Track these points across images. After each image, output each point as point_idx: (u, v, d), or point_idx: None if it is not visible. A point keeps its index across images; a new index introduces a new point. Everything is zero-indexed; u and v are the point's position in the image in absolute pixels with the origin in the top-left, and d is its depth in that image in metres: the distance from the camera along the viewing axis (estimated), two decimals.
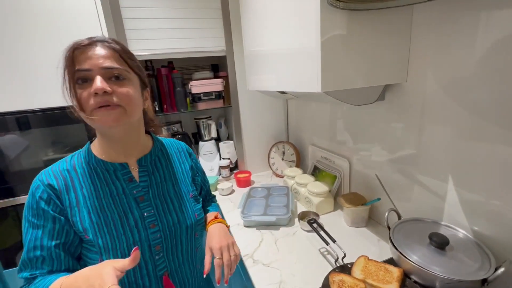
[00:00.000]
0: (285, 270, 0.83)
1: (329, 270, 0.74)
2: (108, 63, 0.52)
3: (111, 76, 0.52)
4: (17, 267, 0.56)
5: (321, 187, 1.15)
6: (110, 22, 1.15)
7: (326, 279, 0.69)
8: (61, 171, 0.58)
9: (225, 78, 1.52)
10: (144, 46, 1.30)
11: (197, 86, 1.46)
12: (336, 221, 1.09)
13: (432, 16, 0.72)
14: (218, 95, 1.53)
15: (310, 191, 1.15)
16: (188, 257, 0.68)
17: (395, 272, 0.67)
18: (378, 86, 0.86)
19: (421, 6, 0.74)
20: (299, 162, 1.56)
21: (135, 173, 0.63)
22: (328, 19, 0.66)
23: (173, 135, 1.57)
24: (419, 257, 0.65)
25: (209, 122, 1.61)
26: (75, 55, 0.51)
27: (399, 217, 0.82)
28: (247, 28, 1.18)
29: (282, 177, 1.58)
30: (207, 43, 1.40)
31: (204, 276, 0.62)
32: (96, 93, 0.50)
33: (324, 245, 0.87)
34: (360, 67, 0.75)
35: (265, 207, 1.16)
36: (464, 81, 0.67)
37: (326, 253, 0.88)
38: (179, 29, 1.35)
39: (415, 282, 0.66)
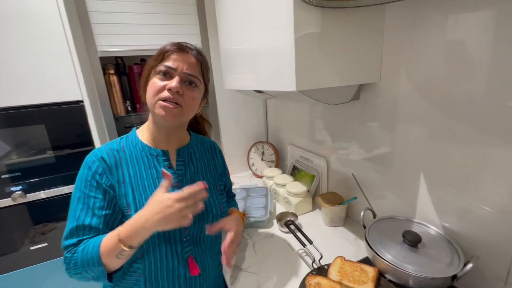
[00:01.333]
0: (262, 274, 0.80)
1: (307, 272, 0.73)
2: (190, 70, 0.62)
3: (187, 81, 0.63)
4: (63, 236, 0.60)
5: (300, 187, 1.15)
6: (73, 15, 1.06)
7: (303, 283, 0.67)
8: (112, 150, 0.65)
9: None
10: (113, 42, 1.22)
11: None
12: (314, 221, 1.08)
13: (403, 17, 0.72)
14: None
15: (289, 191, 1.14)
16: (210, 245, 0.73)
17: (371, 272, 0.67)
18: (353, 86, 0.86)
19: (393, 7, 0.75)
20: (279, 162, 1.55)
21: (173, 161, 0.69)
22: (302, 16, 0.64)
23: None
24: (393, 256, 0.65)
25: None
26: (167, 53, 0.61)
27: (374, 215, 0.83)
28: (223, 26, 1.14)
29: (261, 177, 1.56)
30: (182, 40, 1.34)
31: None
32: (170, 89, 0.59)
33: (302, 246, 0.86)
34: (335, 66, 0.74)
35: (243, 209, 1.13)
36: (435, 81, 0.68)
37: (304, 254, 0.87)
38: (152, 24, 1.28)
39: (390, 281, 0.66)
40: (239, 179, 1.59)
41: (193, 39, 1.37)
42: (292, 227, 0.89)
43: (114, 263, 0.57)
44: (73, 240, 0.58)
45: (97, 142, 1.10)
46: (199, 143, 0.79)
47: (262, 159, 1.60)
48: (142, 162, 0.66)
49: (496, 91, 0.57)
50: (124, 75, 1.36)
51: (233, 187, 1.45)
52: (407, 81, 0.75)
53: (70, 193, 1.05)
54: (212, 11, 1.34)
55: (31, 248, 1.08)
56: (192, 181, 0.70)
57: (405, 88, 0.76)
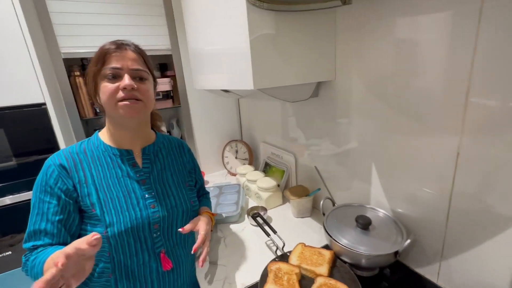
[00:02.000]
0: (231, 266, 0.84)
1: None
2: (136, 66, 0.63)
3: (136, 76, 0.63)
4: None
5: (270, 182, 1.19)
6: (32, 16, 1.04)
7: (265, 269, 0.71)
8: (71, 153, 0.65)
9: (173, 77, 1.48)
10: (77, 43, 1.20)
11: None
12: (284, 214, 1.14)
13: (354, 19, 0.79)
14: (166, 95, 1.48)
15: (260, 186, 1.18)
16: (181, 240, 0.74)
17: (327, 254, 0.72)
18: (311, 84, 0.91)
19: (344, 11, 0.81)
20: (252, 159, 1.59)
21: (138, 159, 0.70)
22: (255, 19, 0.69)
23: None
24: (348, 240, 0.71)
25: None
26: (107, 55, 0.61)
27: (334, 204, 0.89)
28: (190, 27, 1.17)
29: (235, 175, 1.59)
30: (151, 41, 1.35)
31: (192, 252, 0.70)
32: (124, 88, 0.60)
33: (269, 237, 0.90)
34: (290, 65, 0.79)
35: (215, 206, 1.16)
36: (383, 79, 0.75)
37: (272, 245, 0.91)
38: (119, 25, 1.27)
39: (345, 262, 0.72)
40: (214, 178, 1.61)
41: (162, 40, 1.37)
42: (258, 219, 0.93)
43: None
44: (29, 244, 0.59)
45: (62, 146, 1.08)
46: (165, 141, 0.80)
47: (236, 157, 1.64)
48: (106, 162, 0.66)
49: (434, 87, 0.64)
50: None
51: (207, 185, 1.48)
52: (359, 79, 0.82)
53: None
54: (180, 12, 1.36)
55: None
56: (159, 178, 0.72)
57: (357, 85, 0.83)
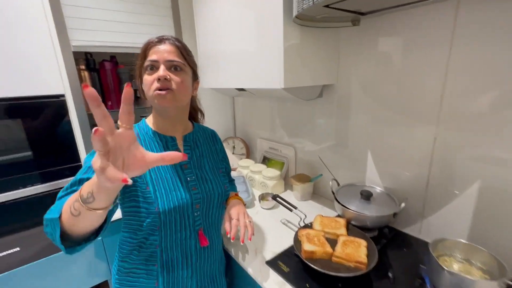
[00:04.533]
0: (257, 241, 0.97)
1: (293, 233, 0.92)
2: (171, 57, 0.67)
3: (171, 67, 0.68)
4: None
5: (274, 172, 1.35)
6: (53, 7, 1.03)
7: (296, 235, 0.87)
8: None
9: None
10: (84, 37, 1.20)
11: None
12: (288, 198, 1.30)
13: (352, 37, 1.00)
14: None
15: (265, 176, 1.33)
16: (216, 220, 0.82)
17: (341, 221, 0.91)
18: (318, 86, 1.11)
19: (345, 30, 1.02)
20: (249, 154, 1.73)
21: (180, 146, 0.78)
22: (288, 31, 0.85)
23: None
24: (355, 207, 0.91)
25: None
26: (148, 50, 0.67)
27: (338, 184, 1.09)
28: (202, 28, 1.27)
29: (235, 169, 1.71)
30: None
31: (227, 235, 0.77)
32: (159, 79, 0.65)
33: (283, 216, 1.06)
34: (307, 69, 0.97)
35: None
36: (375, 82, 0.97)
37: (287, 222, 1.07)
38: (125, 22, 1.30)
39: (354, 225, 0.91)
40: None
41: None
42: (278, 199, 1.08)
43: (69, 221, 0.49)
44: (67, 190, 0.59)
45: (78, 138, 1.08)
46: (201, 130, 0.88)
47: (233, 153, 1.76)
48: (154, 146, 0.73)
49: (405, 88, 0.88)
50: (94, 71, 1.34)
51: None
52: (356, 83, 1.04)
53: (49, 191, 1.03)
54: (187, 13, 1.44)
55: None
56: (198, 164, 0.80)
57: (354, 87, 1.05)
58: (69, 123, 1.05)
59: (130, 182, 0.37)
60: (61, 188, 0.64)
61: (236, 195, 0.96)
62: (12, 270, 1.00)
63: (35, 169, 0.99)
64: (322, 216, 0.95)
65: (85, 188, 0.46)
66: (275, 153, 1.54)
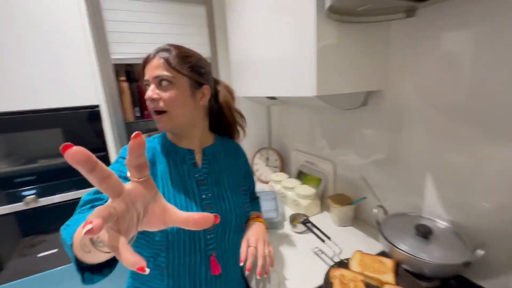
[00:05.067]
0: (282, 272, 0.83)
1: (326, 268, 0.77)
2: (157, 72, 0.62)
3: (159, 82, 0.62)
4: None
5: (309, 189, 1.20)
6: (92, 23, 1.10)
7: (327, 275, 0.71)
8: (148, 147, 0.68)
9: None
10: (124, 50, 1.25)
11: None
12: (323, 222, 1.13)
13: (406, 33, 0.81)
14: None
15: (298, 194, 1.18)
16: (232, 245, 0.73)
17: (389, 262, 0.72)
18: (361, 92, 0.93)
19: (398, 24, 0.83)
20: (284, 167, 1.60)
21: (198, 160, 0.72)
22: (323, 29, 0.72)
23: None
24: (408, 247, 0.71)
25: None
26: (144, 68, 0.65)
27: (386, 212, 0.89)
28: (234, 36, 1.21)
29: (267, 182, 1.60)
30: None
31: (240, 264, 0.68)
32: (147, 100, 0.63)
33: (317, 244, 0.90)
34: (348, 74, 0.81)
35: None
36: (437, 88, 0.76)
37: (320, 252, 0.90)
38: (162, 34, 1.33)
39: (406, 270, 0.71)
40: None
41: (202, 49, 1.42)
42: (308, 224, 0.93)
43: (80, 252, 0.43)
44: (90, 197, 0.56)
45: (111, 147, 1.11)
46: (224, 143, 0.81)
47: (267, 165, 1.65)
48: (171, 159, 0.69)
49: (483, 95, 0.65)
50: (134, 81, 1.39)
51: None
52: (412, 89, 0.83)
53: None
54: (221, 22, 1.41)
55: (39, 255, 1.05)
56: (216, 180, 0.73)
57: (409, 94, 0.84)
58: (102, 132, 1.09)
59: (147, 271, 0.27)
60: None
61: (259, 216, 0.85)
62: (49, 270, 1.05)
63: (72, 176, 1.04)
64: (363, 253, 0.77)
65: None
66: (311, 167, 1.38)
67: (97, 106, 1.06)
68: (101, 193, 0.57)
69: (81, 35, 1.00)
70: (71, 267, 1.08)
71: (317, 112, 1.30)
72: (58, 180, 1.03)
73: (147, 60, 0.65)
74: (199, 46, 1.42)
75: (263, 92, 1.05)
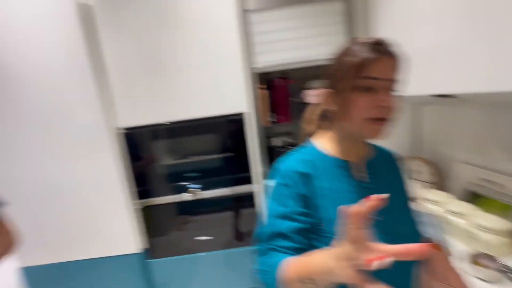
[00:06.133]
0: None
1: None
2: (392, 75, 0.52)
3: (390, 87, 0.53)
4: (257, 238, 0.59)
5: (498, 221, 0.85)
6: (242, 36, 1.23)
7: None
8: (305, 161, 0.60)
9: None
10: (266, 59, 1.33)
11: (309, 96, 1.41)
12: None
13: None
14: None
15: (481, 225, 0.86)
16: (400, 279, 0.56)
17: None
18: None
19: None
20: (442, 183, 1.25)
21: (363, 174, 0.62)
22: None
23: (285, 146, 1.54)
24: None
25: None
26: (366, 65, 0.50)
27: None
28: (387, 28, 1.03)
29: (413, 200, 1.30)
30: (329, 49, 1.33)
31: None
32: (382, 107, 0.51)
33: None
34: None
35: None
36: None
37: None
38: (297, 39, 1.32)
39: None
40: None
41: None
42: (510, 274, 0.64)
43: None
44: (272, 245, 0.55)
45: (250, 151, 1.22)
46: (379, 152, 0.68)
47: (412, 178, 1.34)
48: (335, 174, 0.60)
49: None
50: (270, 88, 1.46)
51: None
52: None
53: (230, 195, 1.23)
54: (361, 17, 1.26)
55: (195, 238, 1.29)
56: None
57: None
58: (243, 136, 1.23)
59: None
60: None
61: (438, 244, 0.66)
62: (202, 253, 1.27)
63: (223, 175, 1.22)
64: None
65: (302, 269, 0.44)
66: (492, 188, 0.99)
67: (241, 113, 1.18)
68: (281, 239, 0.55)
69: (234, 49, 1.13)
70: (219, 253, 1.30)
71: (496, 112, 0.92)
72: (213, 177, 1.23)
73: (374, 57, 0.51)
74: (333, 44, 1.32)
75: (435, 89, 0.82)
